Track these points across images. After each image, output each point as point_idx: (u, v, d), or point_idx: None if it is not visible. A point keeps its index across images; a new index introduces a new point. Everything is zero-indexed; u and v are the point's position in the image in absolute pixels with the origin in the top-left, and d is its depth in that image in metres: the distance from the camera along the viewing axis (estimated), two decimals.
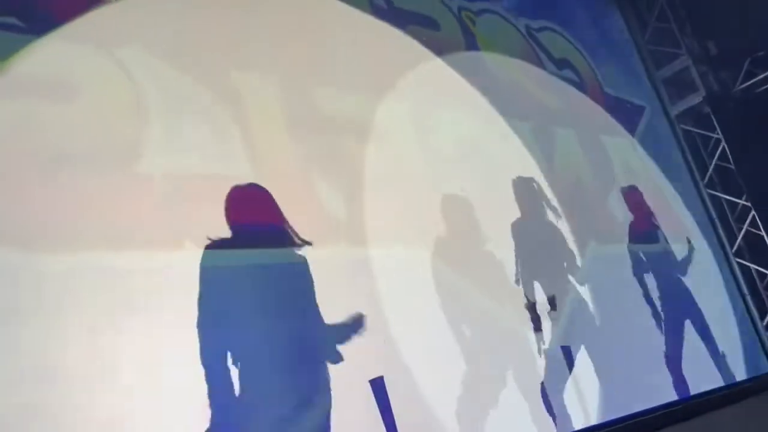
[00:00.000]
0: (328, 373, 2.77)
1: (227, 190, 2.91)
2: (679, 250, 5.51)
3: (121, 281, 2.48)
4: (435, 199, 3.76)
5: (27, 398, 2.18)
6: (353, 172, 3.49)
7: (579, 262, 4.52)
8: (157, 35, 3.07)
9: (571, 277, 4.39)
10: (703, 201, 6.38)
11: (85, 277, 2.41)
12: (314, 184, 3.29)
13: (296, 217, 3.09)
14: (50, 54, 2.70)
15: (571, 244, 4.56)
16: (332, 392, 2.78)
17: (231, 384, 2.49)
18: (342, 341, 2.84)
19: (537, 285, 4.12)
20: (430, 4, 4.71)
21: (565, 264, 4.42)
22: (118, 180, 2.64)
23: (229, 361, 2.52)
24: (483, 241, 3.89)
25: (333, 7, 3.91)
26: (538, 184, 4.43)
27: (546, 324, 3.94)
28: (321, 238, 3.15)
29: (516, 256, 4.06)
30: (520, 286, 3.98)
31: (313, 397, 2.71)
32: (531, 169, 4.54)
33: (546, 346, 3.92)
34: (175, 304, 2.54)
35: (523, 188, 4.39)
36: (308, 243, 2.93)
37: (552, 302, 3.93)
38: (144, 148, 2.78)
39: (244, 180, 3.01)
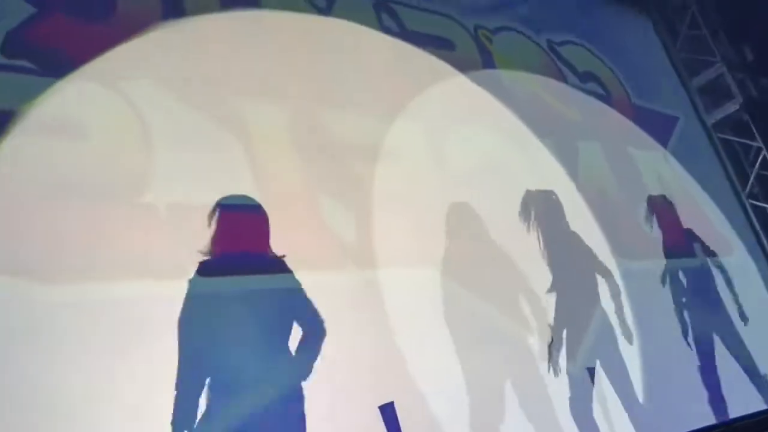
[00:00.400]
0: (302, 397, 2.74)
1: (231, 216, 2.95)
2: (718, 264, 5.29)
3: (127, 310, 2.55)
4: (447, 220, 3.73)
5: (36, 421, 2.26)
6: (363, 193, 3.50)
7: (613, 273, 4.39)
8: (164, 69, 3.17)
9: (601, 293, 4.27)
10: (745, 211, 6.13)
11: (91, 306, 2.49)
12: (322, 207, 3.32)
13: (303, 240, 3.12)
14: (66, 95, 2.83)
15: (601, 257, 4.45)
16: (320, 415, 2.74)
17: (195, 415, 2.50)
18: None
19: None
20: (445, 25, 4.73)
21: (594, 277, 4.29)
22: (124, 211, 2.73)
23: (204, 390, 2.54)
24: (497, 258, 3.82)
25: (342, 29, 3.96)
26: (557, 196, 4.34)
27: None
28: (329, 261, 3.17)
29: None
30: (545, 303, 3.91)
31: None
32: (552, 184, 4.45)
33: (567, 365, 3.81)
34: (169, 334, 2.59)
35: (542, 201, 4.31)
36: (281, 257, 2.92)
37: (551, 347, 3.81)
38: (151, 179, 2.86)
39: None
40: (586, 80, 5.57)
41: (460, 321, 3.51)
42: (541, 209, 4.24)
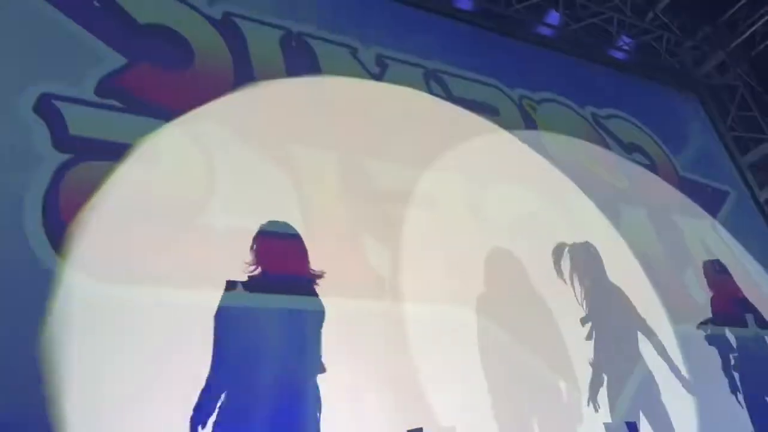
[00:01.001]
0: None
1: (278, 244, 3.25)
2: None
3: (186, 312, 2.84)
4: (483, 263, 3.90)
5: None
6: (402, 236, 3.74)
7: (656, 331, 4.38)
8: (233, 119, 3.60)
9: (641, 347, 4.25)
10: None
11: (156, 308, 2.79)
12: (363, 244, 3.57)
13: (343, 272, 3.36)
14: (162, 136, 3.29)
15: (653, 316, 4.47)
16: None
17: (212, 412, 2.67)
18: None
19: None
20: (490, 93, 5.08)
21: (635, 331, 4.29)
22: (184, 228, 3.07)
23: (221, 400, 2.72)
24: (534, 304, 3.93)
25: (394, 91, 4.37)
26: (595, 248, 4.43)
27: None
28: (365, 291, 3.39)
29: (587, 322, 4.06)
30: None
31: None
32: (598, 242, 4.56)
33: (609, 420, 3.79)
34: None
35: (581, 253, 4.39)
36: (319, 275, 3.15)
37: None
38: (211, 206, 3.22)
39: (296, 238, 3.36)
40: (631, 151, 5.75)
41: (491, 360, 3.61)
42: (580, 258, 4.33)
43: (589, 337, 4.01)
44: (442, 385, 3.34)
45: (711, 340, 4.71)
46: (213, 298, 2.95)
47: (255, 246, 3.15)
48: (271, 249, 3.18)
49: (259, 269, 3.09)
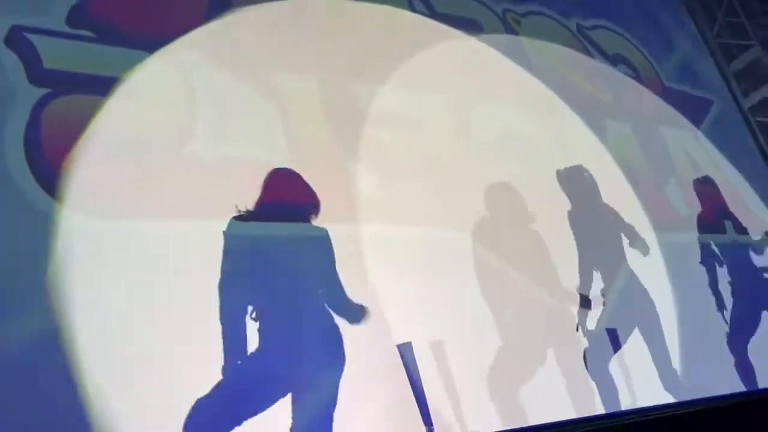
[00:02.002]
0: (341, 337, 2.95)
1: (267, 172, 3.25)
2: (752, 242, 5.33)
3: (172, 244, 2.88)
4: (473, 184, 3.94)
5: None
6: (390, 158, 3.76)
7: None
8: (212, 47, 3.51)
9: (627, 257, 4.36)
10: None
11: (140, 240, 2.83)
12: (350, 168, 3.59)
13: (333, 196, 3.40)
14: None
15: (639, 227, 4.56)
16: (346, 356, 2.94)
17: (245, 342, 2.72)
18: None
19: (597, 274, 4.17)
20: (474, 8, 4.96)
21: (624, 241, 4.39)
22: (171, 161, 3.07)
23: (247, 319, 2.77)
24: (526, 222, 3.99)
25: (374, 11, 4.26)
26: (588, 172, 4.46)
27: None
28: (356, 216, 3.44)
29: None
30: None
31: (326, 360, 2.92)
32: (577, 157, 4.60)
33: (592, 327, 3.95)
34: (214, 267, 2.89)
35: (574, 177, 4.42)
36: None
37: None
38: (195, 135, 3.20)
39: (283, 164, 3.36)
40: (616, 62, 5.70)
41: (482, 279, 3.72)
42: (574, 186, 4.35)
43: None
44: (432, 303, 3.46)
45: (703, 256, 4.84)
46: (206, 226, 2.99)
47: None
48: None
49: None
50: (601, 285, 4.12)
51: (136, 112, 3.06)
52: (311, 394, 2.85)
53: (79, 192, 2.75)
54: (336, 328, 2.96)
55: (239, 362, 2.70)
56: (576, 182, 4.38)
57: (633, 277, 4.29)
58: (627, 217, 4.54)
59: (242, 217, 2.96)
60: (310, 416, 2.81)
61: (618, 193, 4.73)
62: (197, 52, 3.42)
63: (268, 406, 2.72)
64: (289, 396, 2.78)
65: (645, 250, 4.26)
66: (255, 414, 2.65)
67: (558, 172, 4.36)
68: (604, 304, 4.10)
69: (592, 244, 4.24)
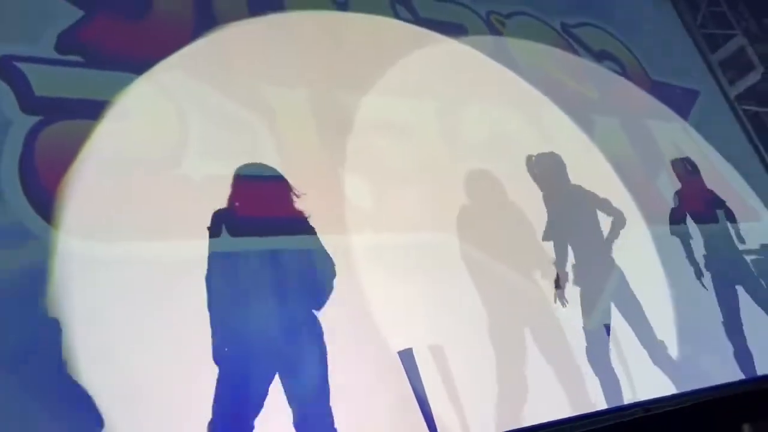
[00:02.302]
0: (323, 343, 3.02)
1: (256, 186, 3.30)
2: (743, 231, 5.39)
3: (165, 265, 2.91)
4: (461, 185, 3.99)
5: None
6: (380, 166, 3.80)
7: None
8: (200, 65, 3.55)
9: (614, 249, 4.40)
10: None
11: (136, 262, 2.86)
12: (341, 178, 3.63)
13: (326, 207, 3.44)
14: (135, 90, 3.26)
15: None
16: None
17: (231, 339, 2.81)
18: None
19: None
20: (458, 11, 5.00)
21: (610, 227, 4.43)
22: (164, 180, 3.11)
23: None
24: (514, 220, 4.04)
25: (359, 20, 4.30)
26: (559, 156, 4.50)
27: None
28: (347, 225, 3.48)
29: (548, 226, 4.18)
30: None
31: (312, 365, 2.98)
32: (566, 154, 4.64)
33: (586, 323, 4.00)
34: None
35: (549, 163, 4.46)
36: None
37: (557, 281, 3.99)
38: (186, 153, 3.24)
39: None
40: (601, 59, 5.74)
41: (477, 279, 3.76)
42: (545, 168, 4.40)
43: (546, 237, 4.13)
44: (430, 307, 3.51)
45: (673, 231, 4.91)
46: (199, 246, 3.03)
47: (233, 190, 3.18)
48: (251, 192, 3.22)
49: (239, 213, 3.14)
50: (574, 261, 4.17)
51: (127, 134, 3.11)
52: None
53: (74, 216, 2.80)
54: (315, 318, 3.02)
55: (227, 349, 2.76)
56: (546, 166, 4.43)
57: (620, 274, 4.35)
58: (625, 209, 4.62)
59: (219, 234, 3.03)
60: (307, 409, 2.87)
61: (609, 188, 4.78)
62: (185, 71, 3.46)
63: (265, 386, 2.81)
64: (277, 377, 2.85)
65: (622, 221, 4.30)
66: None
67: (528, 159, 4.42)
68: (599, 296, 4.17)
69: (567, 222, 4.29)
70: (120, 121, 3.10)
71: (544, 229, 4.12)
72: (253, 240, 3.13)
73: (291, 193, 3.28)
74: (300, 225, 3.24)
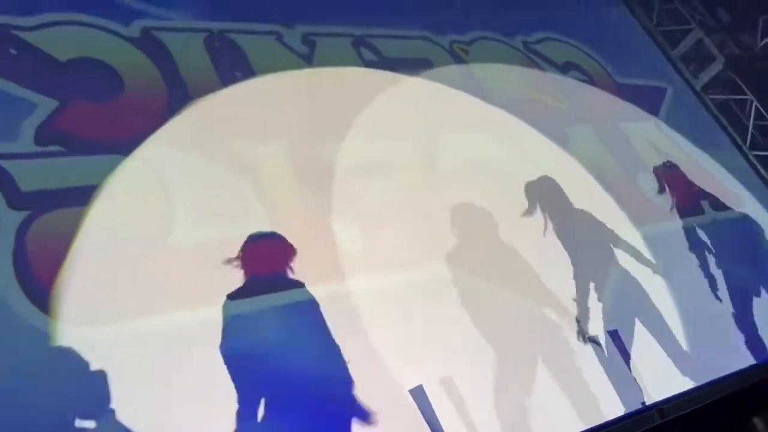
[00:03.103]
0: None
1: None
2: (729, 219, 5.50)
3: (169, 339, 2.95)
4: (448, 216, 4.06)
5: None
6: (365, 209, 3.88)
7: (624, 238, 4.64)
8: (176, 136, 3.63)
9: (618, 254, 4.50)
10: (751, 164, 6.29)
11: (138, 340, 2.90)
12: (329, 226, 3.70)
13: (316, 256, 3.51)
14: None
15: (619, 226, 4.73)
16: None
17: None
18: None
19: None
20: (421, 47, 5.14)
21: (609, 245, 4.53)
22: (157, 255, 3.16)
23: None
24: (506, 247, 4.12)
25: (325, 73, 4.42)
26: (553, 179, 4.61)
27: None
28: (341, 272, 3.54)
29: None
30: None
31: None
32: (543, 169, 4.74)
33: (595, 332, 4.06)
34: (213, 356, 2.97)
35: (543, 187, 4.56)
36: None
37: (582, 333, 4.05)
38: (175, 225, 3.30)
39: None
40: (567, 70, 5.89)
41: (476, 308, 3.81)
42: (545, 194, 4.50)
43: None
44: (434, 342, 3.55)
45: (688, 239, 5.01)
46: (204, 311, 3.08)
47: (241, 254, 3.27)
48: (255, 253, 3.30)
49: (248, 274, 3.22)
50: (596, 293, 4.25)
51: (117, 216, 3.16)
52: None
53: (73, 304, 2.84)
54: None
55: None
56: (547, 192, 4.54)
57: (625, 273, 4.44)
58: (604, 217, 4.72)
59: (234, 295, 3.09)
60: None
61: (591, 196, 4.89)
62: (166, 144, 3.54)
63: None
64: None
65: (630, 249, 4.42)
66: None
67: (528, 184, 4.51)
68: (602, 306, 4.23)
69: (582, 250, 4.38)
70: (109, 202, 3.15)
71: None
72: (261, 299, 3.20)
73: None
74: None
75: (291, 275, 3.39)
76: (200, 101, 3.76)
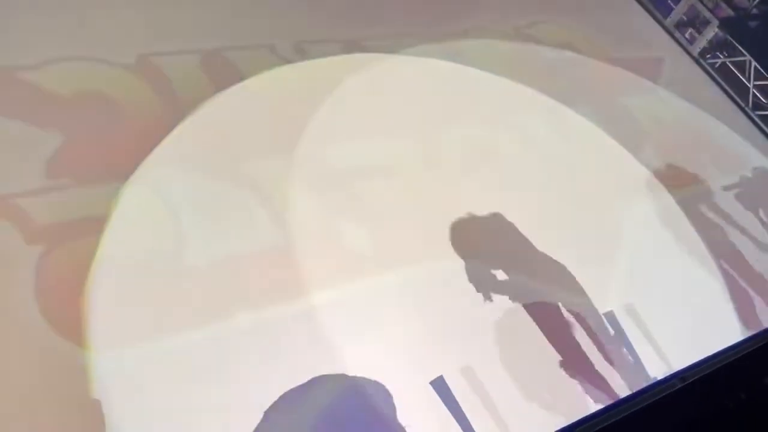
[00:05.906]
0: None
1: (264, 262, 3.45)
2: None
3: (196, 352, 3.04)
4: (454, 208, 4.12)
5: None
6: (372, 210, 3.94)
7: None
8: (176, 154, 3.71)
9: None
10: (755, 123, 6.26)
11: (166, 356, 2.99)
12: (338, 230, 3.77)
13: (327, 262, 3.58)
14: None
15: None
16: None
17: None
18: None
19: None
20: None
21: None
22: (174, 275, 3.25)
23: None
24: (509, 232, 4.17)
25: (310, 68, 4.50)
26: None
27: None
28: (355, 273, 3.61)
29: None
30: None
31: None
32: (544, 150, 4.78)
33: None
34: (237, 369, 3.06)
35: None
36: None
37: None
38: (188, 244, 3.38)
39: (276, 247, 3.55)
40: (563, 51, 5.89)
41: (492, 298, 3.87)
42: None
43: None
44: (451, 334, 3.61)
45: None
46: (225, 328, 3.17)
47: None
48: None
49: None
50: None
51: (130, 241, 3.25)
52: None
53: (101, 331, 2.93)
54: None
55: None
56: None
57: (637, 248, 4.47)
58: (614, 194, 4.76)
59: None
60: None
61: (597, 173, 4.91)
62: (168, 165, 3.62)
63: None
64: None
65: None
66: None
67: None
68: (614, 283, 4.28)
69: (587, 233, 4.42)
70: (121, 229, 3.25)
71: None
72: None
73: None
74: None
75: None
76: (198, 114, 3.84)
